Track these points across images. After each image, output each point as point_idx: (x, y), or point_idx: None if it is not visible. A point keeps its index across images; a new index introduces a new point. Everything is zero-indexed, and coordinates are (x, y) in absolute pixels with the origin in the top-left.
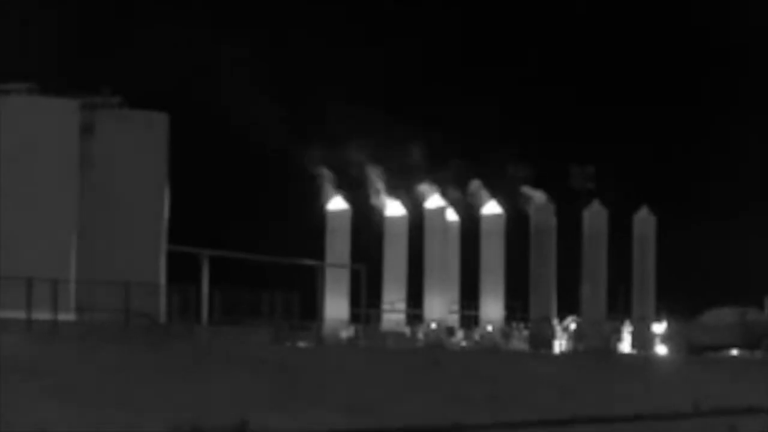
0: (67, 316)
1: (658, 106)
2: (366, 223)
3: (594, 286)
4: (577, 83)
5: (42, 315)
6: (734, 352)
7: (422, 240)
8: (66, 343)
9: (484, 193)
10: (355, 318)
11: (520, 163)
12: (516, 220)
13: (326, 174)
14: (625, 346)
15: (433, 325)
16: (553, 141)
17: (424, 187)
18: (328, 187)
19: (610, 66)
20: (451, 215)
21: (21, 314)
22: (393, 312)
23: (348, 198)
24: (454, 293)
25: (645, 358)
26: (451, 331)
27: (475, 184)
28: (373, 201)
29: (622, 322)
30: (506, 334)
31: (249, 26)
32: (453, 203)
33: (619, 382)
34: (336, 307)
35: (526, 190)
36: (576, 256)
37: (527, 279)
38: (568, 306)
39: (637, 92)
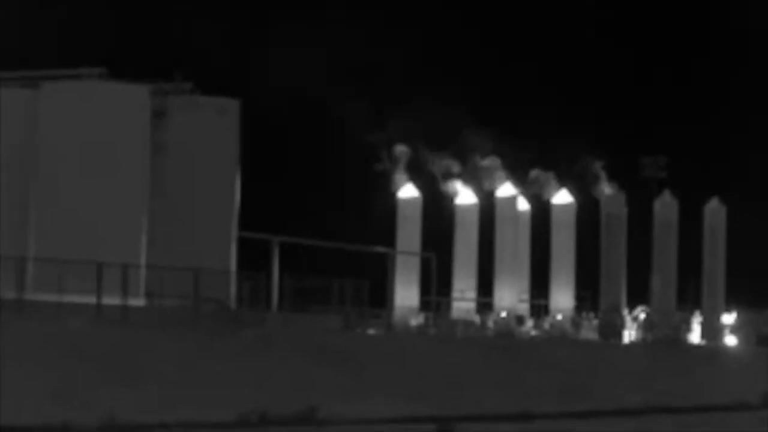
0: (136, 301)
1: (732, 94)
2: (437, 211)
3: (664, 277)
4: (652, 74)
5: (112, 300)
6: None
7: (493, 228)
8: (135, 329)
9: (554, 181)
10: (425, 306)
11: (592, 151)
12: (587, 209)
13: (398, 161)
14: (695, 336)
15: (503, 314)
16: (625, 130)
17: (495, 175)
18: (399, 174)
19: (687, 61)
20: (522, 204)
21: (91, 299)
22: (463, 300)
23: (419, 185)
24: (524, 282)
25: (714, 349)
26: (520, 320)
27: (546, 173)
28: (444, 188)
29: (691, 313)
30: (576, 324)
31: (320, 8)
32: (524, 191)
33: (688, 373)
34: (406, 295)
35: (598, 179)
36: (646, 246)
37: (597, 268)
38: (638, 296)
39: (712, 81)
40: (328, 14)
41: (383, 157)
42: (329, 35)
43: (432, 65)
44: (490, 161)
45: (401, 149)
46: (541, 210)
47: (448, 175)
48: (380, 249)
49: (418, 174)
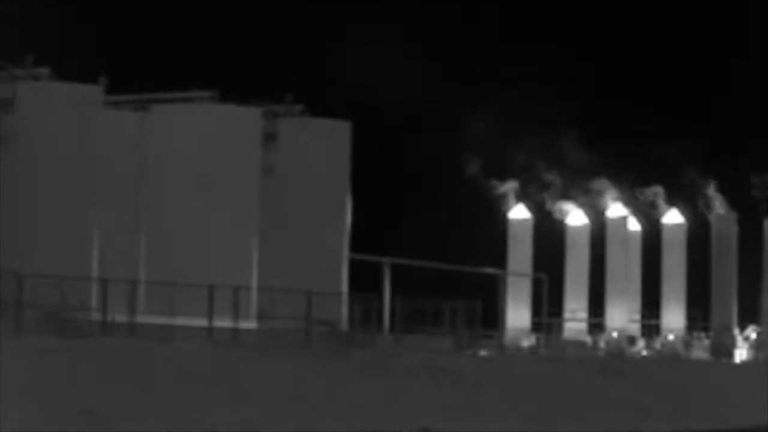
0: (248, 324)
1: None
2: (548, 232)
3: None
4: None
5: (223, 323)
6: None
7: (604, 249)
8: (246, 351)
9: (665, 202)
10: (536, 327)
11: (702, 171)
12: (697, 229)
13: (509, 183)
14: None
15: (615, 334)
16: (735, 150)
17: (606, 196)
18: (510, 195)
19: None
20: (633, 224)
21: (202, 322)
22: (574, 321)
23: (529, 207)
24: (635, 302)
25: None
26: (632, 340)
27: (657, 192)
28: (555, 210)
29: None
30: (687, 344)
31: (430, 27)
32: (635, 212)
33: None
34: (517, 316)
35: (709, 198)
36: (757, 265)
37: (708, 288)
38: (749, 315)
39: None
40: (438, 32)
41: (495, 180)
42: (438, 54)
43: (542, 84)
44: (600, 182)
45: (512, 170)
46: (652, 230)
47: (560, 196)
48: (492, 270)
49: (529, 195)
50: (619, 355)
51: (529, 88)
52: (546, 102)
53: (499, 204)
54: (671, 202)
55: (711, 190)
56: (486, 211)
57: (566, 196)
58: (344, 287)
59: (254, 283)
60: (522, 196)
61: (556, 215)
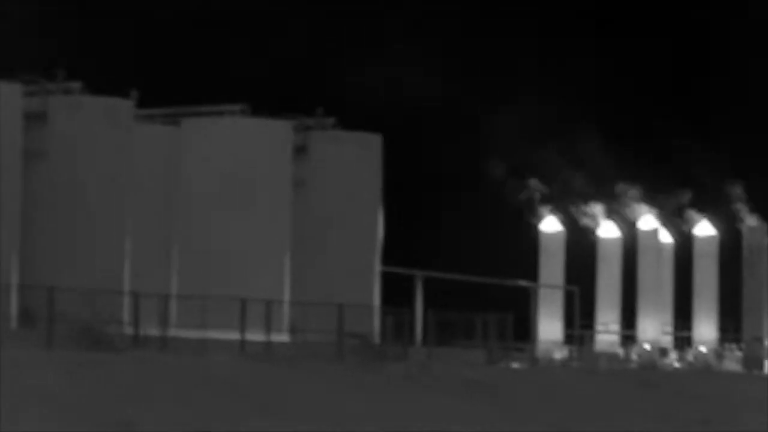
0: (280, 337)
1: None
2: (579, 244)
3: None
4: None
5: (255, 336)
6: None
7: (635, 261)
8: (279, 364)
9: (696, 214)
10: (568, 339)
11: (733, 183)
12: (729, 241)
13: (539, 194)
14: None
15: (647, 346)
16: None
17: (638, 208)
18: (541, 207)
19: None
20: (665, 236)
21: (234, 335)
22: (606, 333)
23: (562, 219)
24: (667, 314)
25: None
26: (664, 352)
27: (687, 205)
28: (587, 221)
29: None
30: (719, 355)
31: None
32: (666, 224)
33: None
34: (550, 328)
35: (740, 211)
36: None
37: (740, 300)
38: None
39: None
40: (466, 46)
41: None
42: (468, 67)
43: (572, 99)
44: (632, 194)
45: (541, 183)
46: (684, 242)
47: (590, 208)
48: (523, 283)
49: (560, 207)
50: (651, 367)
51: (560, 102)
52: (576, 109)
53: (530, 216)
54: (702, 213)
55: (741, 202)
56: (517, 223)
57: (598, 208)
58: (376, 300)
59: (286, 297)
60: (554, 208)
61: (587, 227)
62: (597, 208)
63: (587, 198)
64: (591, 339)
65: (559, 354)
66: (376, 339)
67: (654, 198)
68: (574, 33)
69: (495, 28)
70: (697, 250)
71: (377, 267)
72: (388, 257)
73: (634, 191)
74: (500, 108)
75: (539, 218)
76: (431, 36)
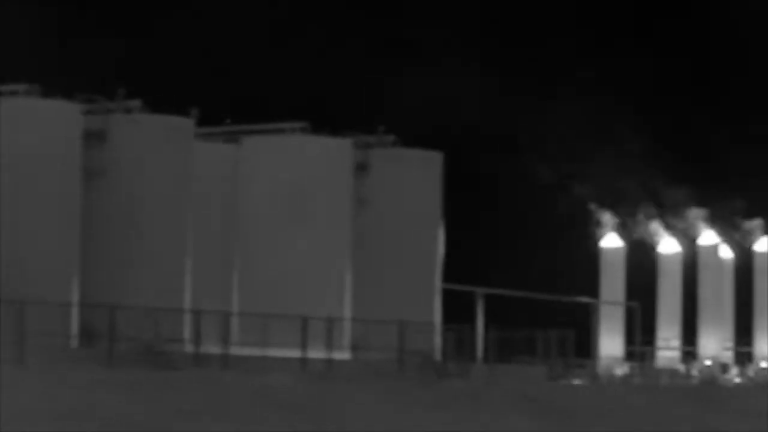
0: (341, 355)
1: None
2: (640, 260)
3: None
4: None
5: (317, 354)
6: None
7: (696, 276)
8: (340, 382)
9: (758, 229)
10: (629, 355)
11: None
12: None
13: (601, 211)
14: None
15: (708, 362)
16: None
17: (698, 223)
18: (602, 224)
19: None
20: (725, 251)
21: (296, 353)
22: (667, 349)
23: (623, 235)
24: (728, 330)
25: None
26: (725, 368)
27: (750, 221)
28: (648, 238)
29: None
30: None
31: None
32: (727, 239)
33: None
34: (610, 344)
35: None
36: None
37: None
38: None
39: None
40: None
41: (587, 207)
42: (525, 84)
43: (631, 113)
44: (692, 209)
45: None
46: (745, 257)
47: (651, 224)
48: (584, 299)
49: (621, 223)
50: (712, 383)
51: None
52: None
53: (592, 232)
54: (764, 229)
55: None
56: (578, 240)
57: (659, 224)
58: (437, 317)
59: (348, 314)
60: (615, 226)
61: (649, 243)
62: (658, 224)
63: (649, 214)
64: (652, 355)
65: (620, 370)
66: (438, 356)
67: (715, 214)
68: (633, 53)
69: (552, 43)
70: (758, 265)
71: (438, 284)
72: (448, 274)
73: (696, 210)
74: (558, 126)
75: (600, 235)
76: (487, 48)
